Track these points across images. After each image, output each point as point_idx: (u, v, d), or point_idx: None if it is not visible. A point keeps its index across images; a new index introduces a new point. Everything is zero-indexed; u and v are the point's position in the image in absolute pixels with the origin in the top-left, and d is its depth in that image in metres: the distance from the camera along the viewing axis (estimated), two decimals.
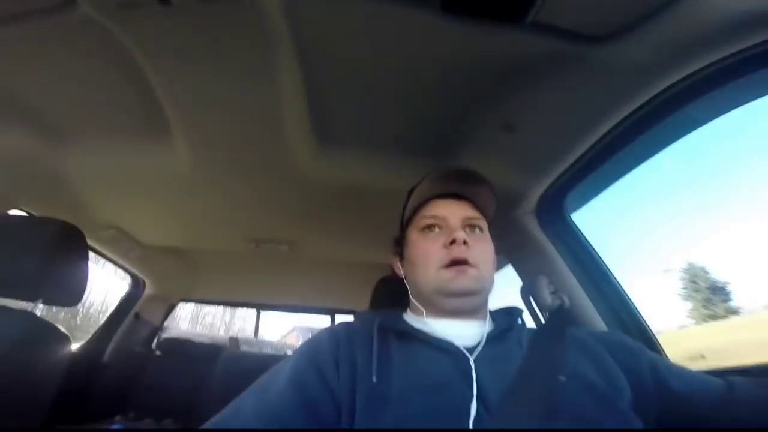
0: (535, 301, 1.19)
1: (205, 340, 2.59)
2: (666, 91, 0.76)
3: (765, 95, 0.72)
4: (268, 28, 0.73)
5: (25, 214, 1.35)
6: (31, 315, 0.90)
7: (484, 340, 0.63)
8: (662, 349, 1.00)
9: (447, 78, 0.86)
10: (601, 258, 1.11)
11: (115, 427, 1.80)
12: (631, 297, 1.08)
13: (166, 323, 2.59)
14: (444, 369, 0.58)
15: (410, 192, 0.83)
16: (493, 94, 0.89)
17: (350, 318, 2.84)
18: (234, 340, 2.67)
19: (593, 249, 1.11)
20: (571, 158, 0.97)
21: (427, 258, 0.69)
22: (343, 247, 1.75)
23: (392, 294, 0.85)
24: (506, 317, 0.72)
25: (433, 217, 0.72)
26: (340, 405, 0.55)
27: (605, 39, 0.70)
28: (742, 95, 0.74)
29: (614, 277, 1.10)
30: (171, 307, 2.54)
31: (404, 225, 0.79)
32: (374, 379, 0.56)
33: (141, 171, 1.22)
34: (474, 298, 0.68)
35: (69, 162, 1.19)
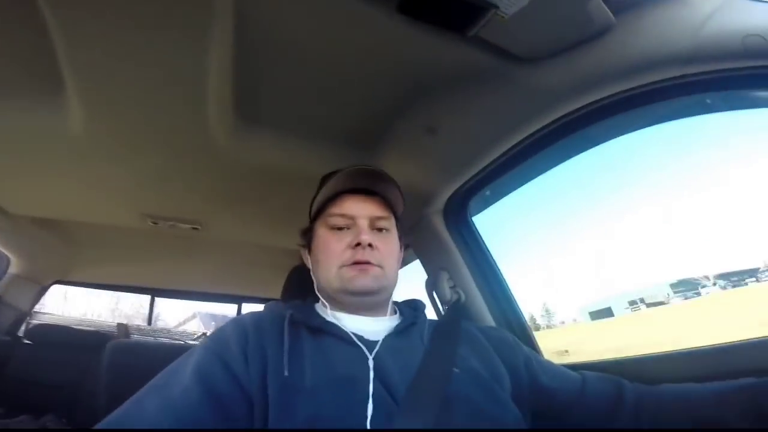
0: (437, 294, 1.29)
1: (89, 327, 2.29)
2: (573, 112, 0.84)
3: (652, 125, 0.85)
4: None
5: None
6: None
7: (388, 333, 0.67)
8: (536, 343, 1.14)
9: (382, 75, 0.87)
10: (493, 259, 1.23)
11: None
12: (515, 296, 1.21)
13: (39, 308, 2.24)
14: (353, 361, 0.61)
15: (322, 182, 0.83)
16: (422, 97, 0.92)
17: (259, 306, 2.75)
18: (122, 327, 2.40)
19: (488, 250, 1.23)
20: (481, 164, 1.05)
21: (331, 256, 0.70)
22: (254, 230, 1.67)
23: (306, 283, 0.84)
24: (411, 312, 0.77)
25: (342, 215, 0.73)
26: (251, 398, 0.55)
27: (532, 61, 0.79)
28: (636, 123, 0.86)
29: (503, 277, 1.22)
30: (42, 290, 2.17)
31: (313, 217, 0.79)
32: (286, 372, 0.56)
33: (18, 130, 1.02)
34: (375, 297, 0.71)
35: None
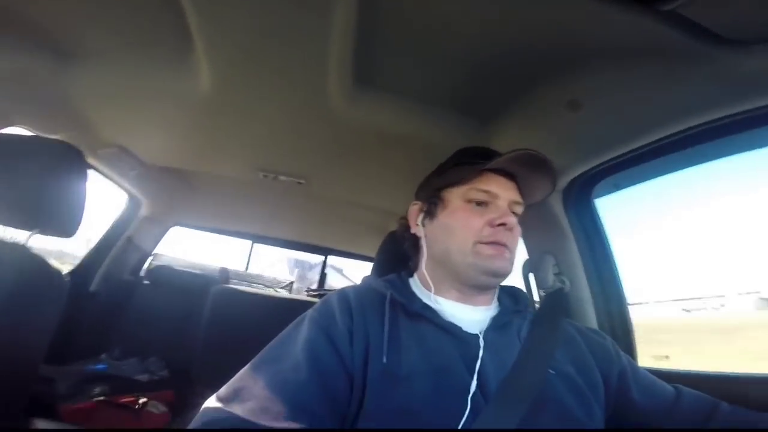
0: (536, 278, 1.19)
1: (196, 270, 2.55)
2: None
3: None
4: None
5: (24, 132, 1.24)
6: (24, 249, 0.84)
7: (488, 325, 0.67)
8: (636, 350, 1.06)
9: (525, 46, 0.79)
10: (611, 250, 1.11)
11: (98, 366, 1.74)
12: (626, 295, 1.10)
13: (155, 250, 2.51)
14: (450, 352, 0.61)
15: (461, 152, 0.81)
16: (571, 70, 0.83)
17: (344, 260, 2.94)
18: (224, 271, 2.64)
19: (607, 240, 1.11)
20: (624, 149, 0.93)
21: (468, 230, 0.68)
22: (354, 189, 1.73)
23: (402, 250, 0.85)
24: (512, 303, 0.75)
25: (487, 192, 0.70)
26: (352, 378, 0.57)
27: (734, 43, 0.64)
28: None
29: (619, 271, 1.10)
30: (163, 232, 2.47)
31: (442, 185, 0.76)
32: (384, 359, 0.58)
33: (155, 90, 1.14)
34: (500, 280, 0.71)
35: (77, 79, 1.09)
